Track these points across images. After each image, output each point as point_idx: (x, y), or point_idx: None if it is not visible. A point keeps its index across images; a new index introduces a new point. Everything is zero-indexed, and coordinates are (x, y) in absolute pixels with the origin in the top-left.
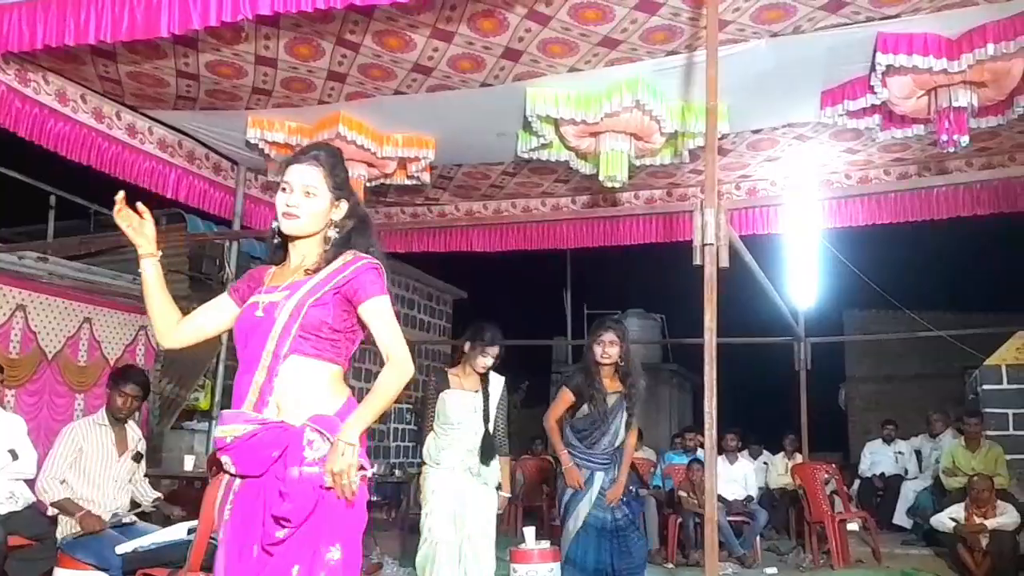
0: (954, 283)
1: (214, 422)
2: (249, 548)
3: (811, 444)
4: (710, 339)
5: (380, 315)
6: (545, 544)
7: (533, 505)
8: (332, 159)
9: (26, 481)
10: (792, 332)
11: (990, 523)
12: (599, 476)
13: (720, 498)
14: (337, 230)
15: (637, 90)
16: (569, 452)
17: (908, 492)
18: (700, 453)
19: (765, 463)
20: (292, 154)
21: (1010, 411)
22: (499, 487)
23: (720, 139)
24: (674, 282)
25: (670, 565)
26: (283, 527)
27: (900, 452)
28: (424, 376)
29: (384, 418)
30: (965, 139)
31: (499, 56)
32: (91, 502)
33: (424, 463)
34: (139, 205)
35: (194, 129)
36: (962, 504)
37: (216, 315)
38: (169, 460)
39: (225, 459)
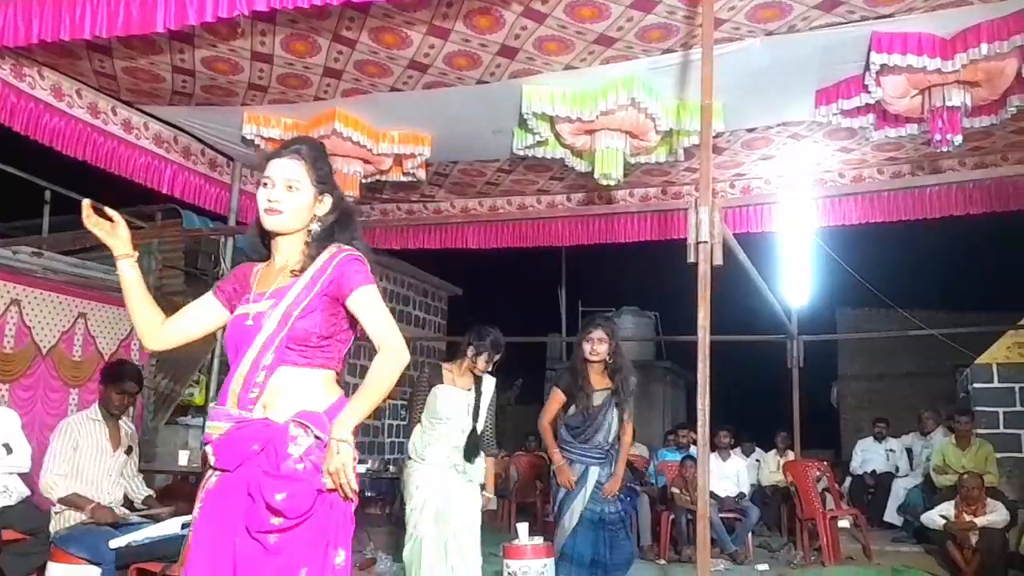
0: (946, 282)
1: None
2: (227, 536)
3: (803, 441)
4: (703, 337)
5: (368, 305)
6: (538, 540)
7: (526, 501)
8: (314, 152)
9: (20, 475)
10: (785, 330)
11: (980, 521)
12: (594, 471)
13: (712, 495)
14: (319, 225)
15: (632, 88)
16: (564, 449)
17: (899, 490)
18: (693, 450)
19: (757, 460)
20: (272, 149)
21: (1000, 409)
22: (483, 486)
23: (715, 137)
24: (668, 280)
25: (662, 561)
26: (278, 517)
27: (891, 450)
28: (416, 372)
29: (378, 413)
30: (958, 138)
31: (495, 53)
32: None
33: (409, 457)
34: (107, 210)
35: (190, 125)
36: (952, 502)
37: (202, 316)
38: (163, 455)
39: (208, 450)
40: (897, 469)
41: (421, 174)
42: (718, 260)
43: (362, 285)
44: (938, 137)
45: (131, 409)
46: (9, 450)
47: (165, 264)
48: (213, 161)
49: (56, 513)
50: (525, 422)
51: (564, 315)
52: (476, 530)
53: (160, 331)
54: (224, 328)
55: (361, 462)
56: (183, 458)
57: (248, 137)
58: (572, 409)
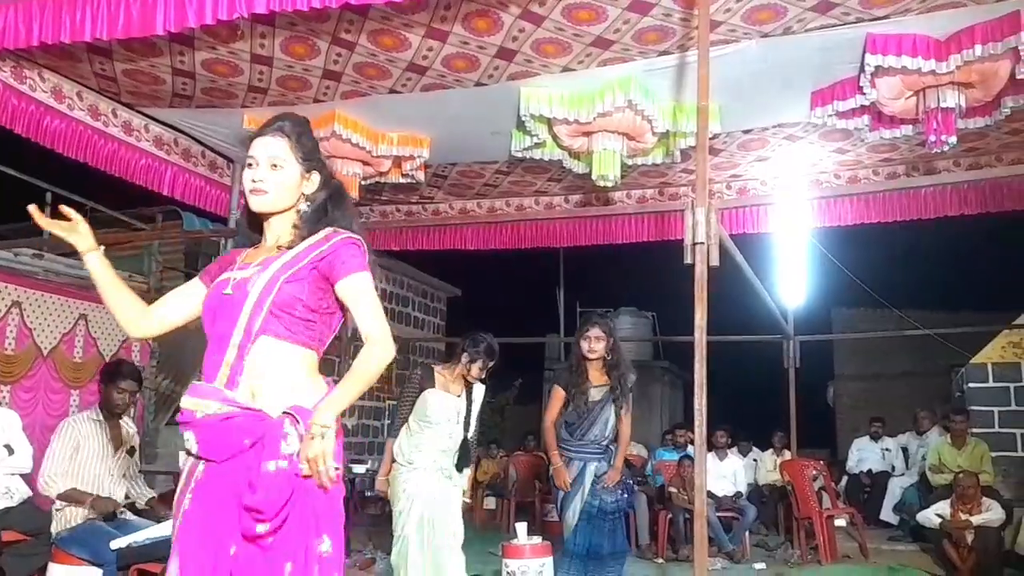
0: (942, 282)
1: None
2: (221, 542)
3: (799, 441)
4: (700, 337)
5: (360, 292)
6: (537, 540)
7: (525, 501)
8: (298, 128)
9: (22, 476)
10: (781, 330)
11: (976, 519)
12: (591, 467)
13: (710, 494)
14: (309, 204)
15: (629, 90)
16: (562, 446)
17: (895, 488)
18: (690, 449)
19: (754, 460)
20: (256, 129)
21: (995, 409)
22: (463, 492)
23: (711, 139)
24: (665, 280)
25: (660, 560)
26: (259, 521)
27: (887, 449)
28: (410, 370)
29: (378, 414)
30: (953, 139)
31: (493, 56)
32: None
33: (395, 461)
34: (63, 209)
35: (190, 127)
36: (948, 500)
37: (187, 300)
38: (164, 456)
39: (188, 435)
40: (893, 468)
41: (420, 176)
42: (715, 261)
43: (356, 272)
44: (933, 138)
45: (132, 410)
46: (10, 451)
47: (166, 266)
48: (213, 163)
49: (57, 511)
50: (524, 422)
51: (562, 315)
52: (460, 531)
53: (143, 319)
54: None
55: (360, 462)
56: (183, 459)
57: None
58: (570, 406)
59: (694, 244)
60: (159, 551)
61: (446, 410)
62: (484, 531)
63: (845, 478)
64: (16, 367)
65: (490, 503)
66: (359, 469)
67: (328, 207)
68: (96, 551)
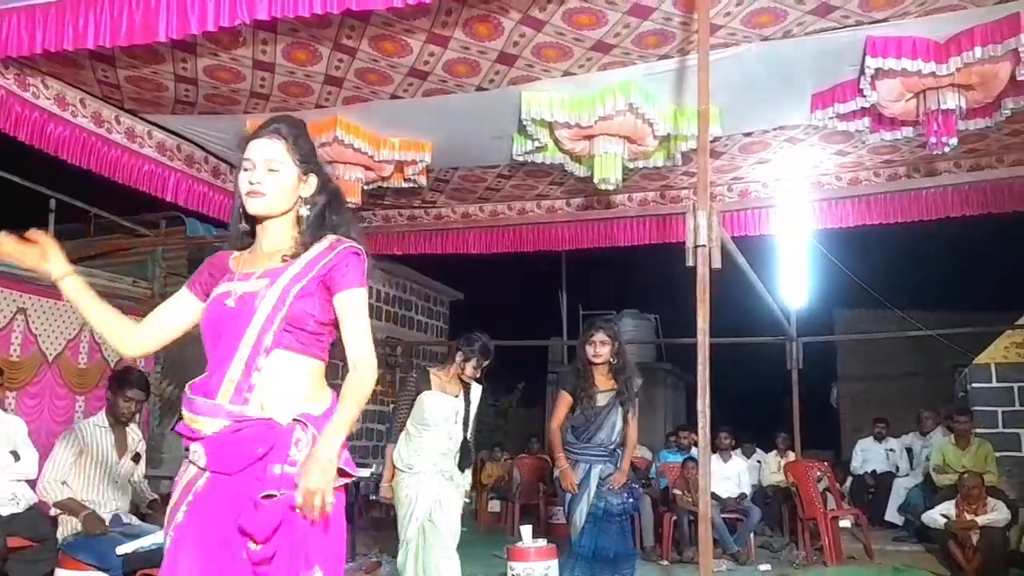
0: (943, 283)
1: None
2: (219, 555)
3: (803, 442)
4: (703, 339)
5: (355, 308)
6: (542, 542)
7: (530, 504)
8: (295, 130)
9: (28, 482)
10: (784, 332)
11: (980, 520)
12: (596, 469)
13: (714, 496)
14: (309, 208)
15: (630, 94)
16: (568, 450)
17: (899, 489)
18: (694, 451)
19: (758, 461)
20: (252, 131)
21: (999, 409)
22: (465, 493)
23: (712, 142)
24: (668, 283)
25: (665, 562)
26: (252, 541)
27: (891, 450)
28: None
29: (383, 419)
30: (953, 141)
31: (494, 60)
32: (91, 503)
33: (395, 466)
34: (29, 233)
35: (193, 133)
36: (953, 501)
37: (178, 312)
38: (169, 461)
39: (196, 448)
40: (897, 469)
41: (422, 180)
42: (716, 263)
43: (355, 286)
44: (933, 140)
45: (138, 416)
46: (16, 457)
47: (169, 271)
48: (216, 169)
49: (60, 515)
50: (527, 425)
51: (565, 318)
52: (458, 533)
53: (133, 336)
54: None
55: (365, 466)
56: (183, 469)
57: None
58: (577, 411)
59: (696, 247)
60: None
61: (444, 411)
62: (489, 534)
63: (849, 479)
64: (21, 373)
65: (494, 506)
66: (363, 473)
67: (327, 214)
68: (102, 556)
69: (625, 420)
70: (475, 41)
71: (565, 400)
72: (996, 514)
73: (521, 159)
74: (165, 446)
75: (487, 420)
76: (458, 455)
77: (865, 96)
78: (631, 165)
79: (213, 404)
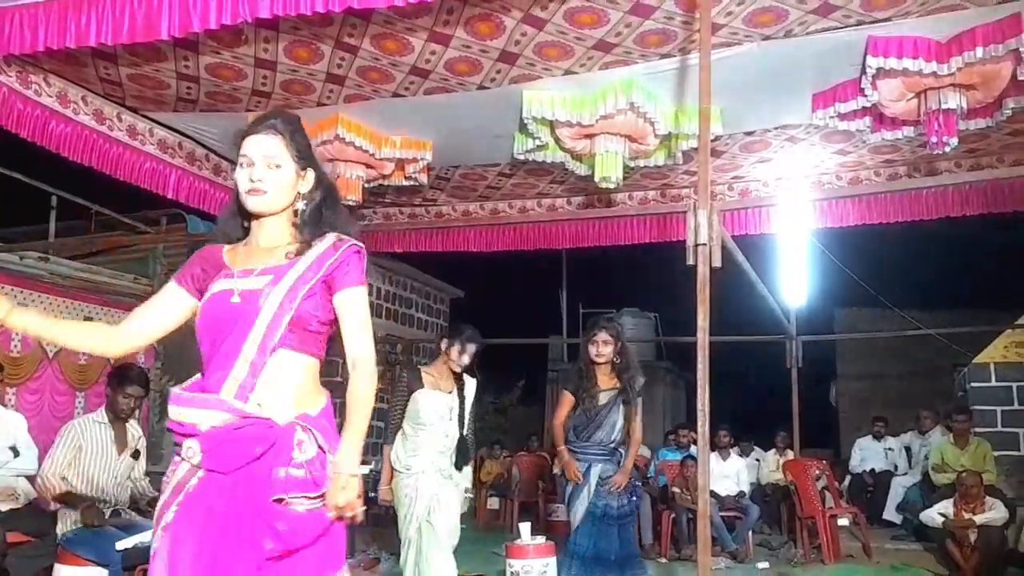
0: (943, 282)
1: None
2: (219, 555)
3: (802, 441)
4: (703, 338)
5: (356, 307)
6: (541, 540)
7: (529, 501)
8: (291, 126)
9: (27, 478)
10: (784, 330)
11: (979, 519)
12: (596, 468)
13: (713, 494)
14: (306, 203)
15: (631, 93)
16: (569, 447)
17: (898, 488)
18: (693, 450)
19: (757, 459)
20: (246, 126)
21: (998, 408)
22: (466, 490)
23: (713, 141)
24: (668, 281)
25: (663, 560)
26: (277, 545)
27: (890, 448)
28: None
29: (383, 416)
30: (954, 141)
31: (495, 59)
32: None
33: (394, 468)
34: None
35: (194, 130)
36: (951, 500)
37: (167, 308)
38: (168, 457)
39: (191, 444)
40: (896, 467)
41: (423, 178)
42: (717, 262)
43: (356, 285)
44: (934, 139)
45: (138, 412)
46: (16, 453)
47: (170, 269)
48: (217, 166)
49: (59, 509)
50: (527, 423)
51: (565, 317)
52: (457, 532)
53: (115, 339)
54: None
55: (365, 463)
56: (174, 467)
57: None
58: (578, 409)
59: (696, 245)
60: None
61: (439, 408)
62: (488, 531)
63: (848, 477)
64: (22, 369)
65: (494, 503)
66: (363, 470)
67: (323, 210)
68: (102, 552)
69: (627, 419)
70: (476, 40)
71: (567, 399)
72: (994, 513)
73: (522, 157)
74: (165, 442)
75: (487, 418)
76: (455, 453)
77: (866, 96)
78: (632, 164)
79: (216, 398)
